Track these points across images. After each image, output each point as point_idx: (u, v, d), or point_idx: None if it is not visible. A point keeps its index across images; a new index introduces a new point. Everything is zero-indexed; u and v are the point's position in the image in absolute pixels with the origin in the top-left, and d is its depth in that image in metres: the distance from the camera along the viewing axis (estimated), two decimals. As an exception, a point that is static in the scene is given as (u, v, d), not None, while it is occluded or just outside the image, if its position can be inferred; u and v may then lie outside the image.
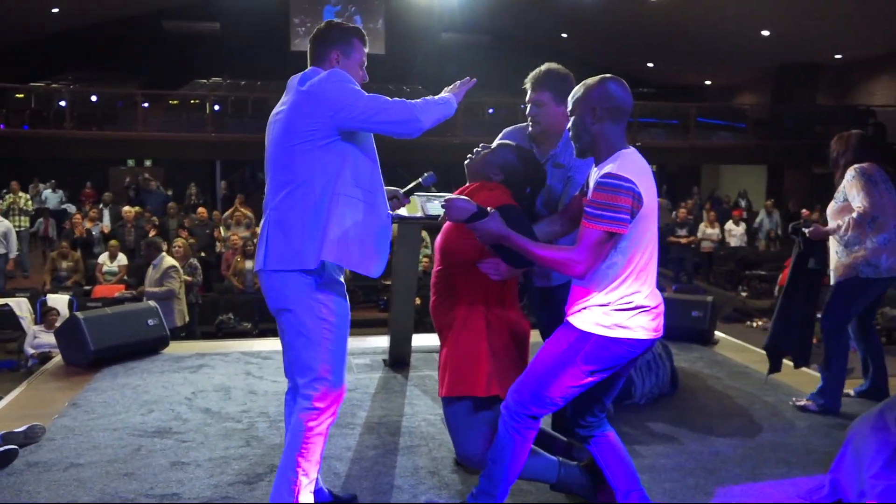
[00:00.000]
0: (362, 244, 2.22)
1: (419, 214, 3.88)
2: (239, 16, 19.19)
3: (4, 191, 11.99)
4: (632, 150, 2.25)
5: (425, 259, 8.83)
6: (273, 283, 2.26)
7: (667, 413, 3.50)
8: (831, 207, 3.64)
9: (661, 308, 2.19)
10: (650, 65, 21.48)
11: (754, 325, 9.94)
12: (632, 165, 2.16)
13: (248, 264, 8.81)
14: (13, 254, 9.16)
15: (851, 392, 3.76)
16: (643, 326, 2.12)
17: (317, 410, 2.24)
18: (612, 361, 2.14)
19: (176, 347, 4.74)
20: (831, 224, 3.59)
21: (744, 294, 11.65)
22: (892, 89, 16.80)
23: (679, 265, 12.16)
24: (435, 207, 3.85)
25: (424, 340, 4.67)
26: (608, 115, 2.20)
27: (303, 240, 2.19)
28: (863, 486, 2.45)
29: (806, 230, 3.56)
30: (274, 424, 3.33)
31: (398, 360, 4.31)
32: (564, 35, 20.26)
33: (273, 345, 4.56)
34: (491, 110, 18.50)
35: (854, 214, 3.41)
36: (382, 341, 4.68)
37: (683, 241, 12.05)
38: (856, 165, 3.52)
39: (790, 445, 3.11)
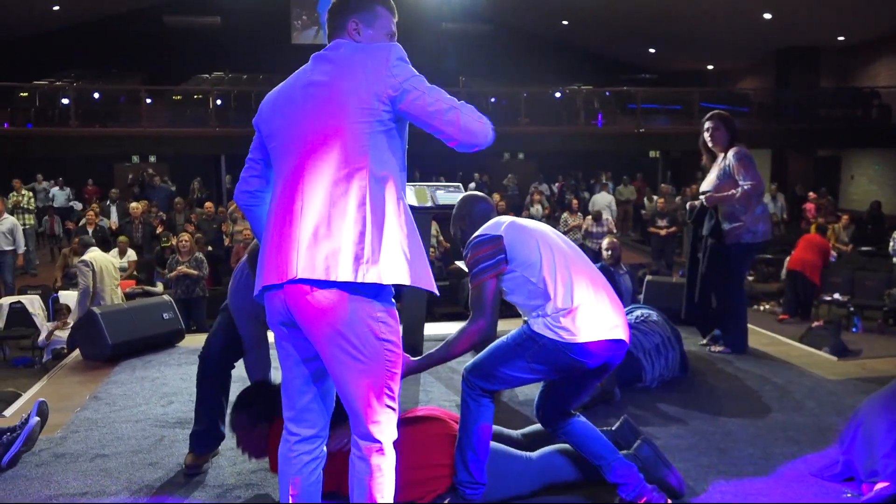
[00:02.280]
0: (421, 256, 1.88)
1: (429, 204, 3.94)
2: (238, 9, 19.16)
3: (12, 192, 12.04)
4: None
5: (432, 248, 8.90)
6: (314, 301, 1.78)
7: (677, 395, 3.55)
8: (712, 185, 4.14)
9: (612, 308, 2.38)
10: (651, 51, 21.42)
11: (761, 308, 9.96)
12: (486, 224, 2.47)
13: (257, 257, 8.87)
14: (21, 249, 9.24)
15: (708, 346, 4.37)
16: (590, 328, 2.29)
17: (380, 445, 1.86)
18: (563, 363, 2.31)
19: (191, 340, 4.80)
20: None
21: (751, 278, 11.67)
22: (895, 70, 16.75)
23: (658, 255, 11.82)
24: (445, 197, 3.91)
25: (436, 329, 4.73)
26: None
27: (361, 247, 1.77)
28: (875, 465, 2.49)
29: (702, 197, 4.16)
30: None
31: (411, 348, 4.34)
32: (565, 23, 20.19)
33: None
34: (493, 99, 18.51)
35: (747, 187, 3.98)
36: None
37: (663, 232, 11.78)
38: (739, 147, 4.10)
39: (800, 424, 3.16)
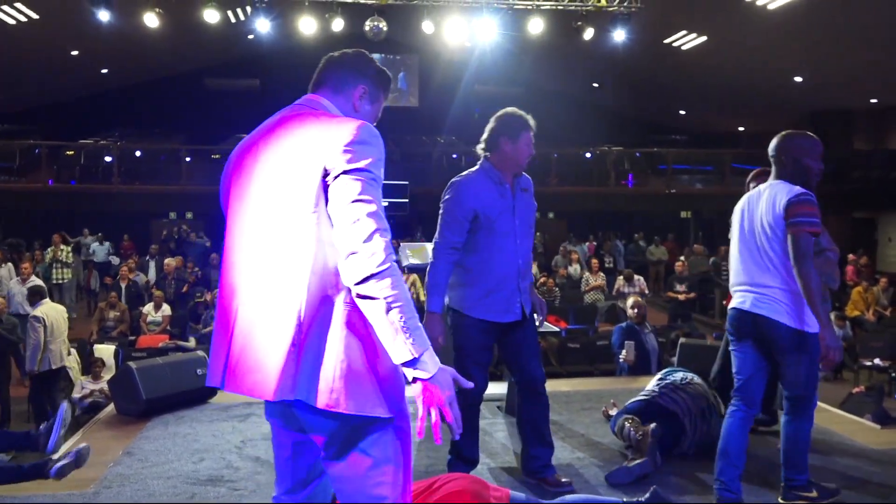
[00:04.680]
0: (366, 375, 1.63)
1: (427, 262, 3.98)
2: (278, 73, 19.83)
3: (51, 247, 12.36)
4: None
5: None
6: (323, 423, 1.63)
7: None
8: None
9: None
10: (682, 112, 21.57)
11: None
12: None
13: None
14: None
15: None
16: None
17: None
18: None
19: (223, 397, 4.83)
20: None
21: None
22: (931, 132, 16.64)
23: (675, 319, 11.05)
24: None
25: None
26: None
27: (374, 376, 1.62)
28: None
29: None
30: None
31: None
32: (595, 85, 20.51)
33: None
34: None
35: (832, 255, 3.70)
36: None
37: (682, 297, 11.37)
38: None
39: (845, 496, 3.05)
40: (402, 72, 21.70)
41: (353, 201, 1.56)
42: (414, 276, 8.36)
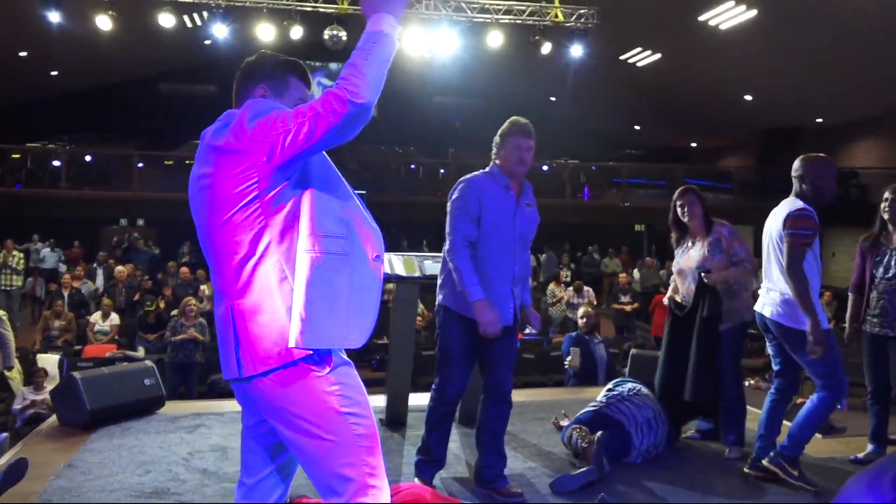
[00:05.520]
0: (336, 310, 1.73)
1: (417, 274, 3.97)
2: (233, 79, 19.63)
3: (2, 251, 11.96)
4: None
5: (419, 318, 8.89)
6: (261, 391, 1.74)
7: (664, 472, 3.51)
8: (702, 261, 3.84)
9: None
10: (637, 127, 22.00)
11: (748, 383, 9.93)
12: None
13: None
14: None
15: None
16: None
17: None
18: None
19: (171, 407, 4.72)
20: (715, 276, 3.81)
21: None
22: (873, 152, 17.26)
23: (621, 331, 11.23)
24: (432, 267, 3.95)
25: (421, 399, 4.68)
26: None
27: (283, 328, 1.72)
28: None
29: (705, 275, 3.79)
30: (272, 485, 3.31)
31: (395, 419, 4.31)
32: (553, 98, 20.78)
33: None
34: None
35: (749, 264, 3.85)
36: (377, 400, 4.68)
37: (628, 308, 11.46)
38: (723, 221, 3.97)
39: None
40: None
41: (299, 139, 1.68)
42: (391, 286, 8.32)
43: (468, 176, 3.18)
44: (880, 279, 3.78)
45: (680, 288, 4.01)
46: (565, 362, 6.06)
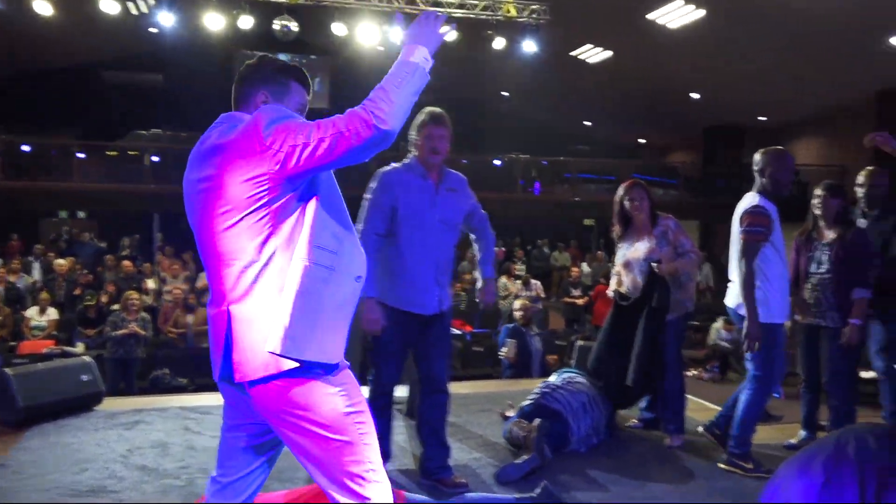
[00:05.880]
0: (319, 322, 1.75)
1: None
2: (182, 68, 19.15)
3: None
4: None
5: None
6: (264, 396, 1.74)
7: (606, 460, 3.57)
8: (649, 253, 3.90)
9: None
10: (588, 123, 22.27)
11: (689, 373, 10.17)
12: None
13: (189, 318, 8.67)
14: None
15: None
16: None
17: None
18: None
19: (110, 403, 4.59)
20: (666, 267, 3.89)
21: (680, 345, 11.95)
22: (812, 150, 17.83)
23: (571, 324, 11.11)
24: None
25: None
26: None
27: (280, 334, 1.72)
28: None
29: (656, 265, 3.85)
30: (214, 480, 3.26)
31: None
32: (505, 94, 20.89)
33: (212, 399, 4.48)
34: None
35: (694, 255, 3.97)
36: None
37: (579, 301, 11.56)
38: (668, 215, 4.05)
39: (723, 489, 3.23)
40: (314, 74, 21.41)
41: (317, 154, 1.68)
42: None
43: (384, 168, 3.20)
44: (813, 273, 3.90)
45: (625, 280, 4.07)
46: (500, 353, 6.16)
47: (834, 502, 2.48)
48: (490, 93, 20.85)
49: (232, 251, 1.74)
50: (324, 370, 1.74)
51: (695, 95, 16.86)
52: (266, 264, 1.72)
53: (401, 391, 4.49)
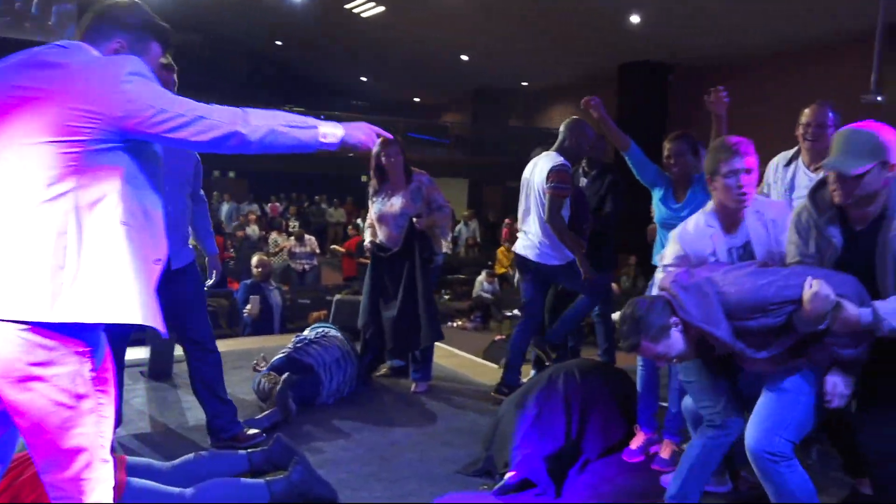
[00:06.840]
0: (137, 287, 1.62)
1: None
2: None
3: None
4: None
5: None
6: (7, 341, 1.51)
7: (351, 409, 3.67)
8: (406, 207, 4.04)
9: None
10: (363, 79, 22.26)
11: (454, 324, 10.78)
12: None
13: None
14: None
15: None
16: None
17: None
18: None
19: None
20: None
21: (447, 297, 12.60)
22: (567, 114, 19.14)
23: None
24: None
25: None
26: None
27: (46, 282, 1.53)
28: (507, 458, 2.82)
29: (416, 220, 4.01)
30: None
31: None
32: (279, 43, 20.16)
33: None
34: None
35: (448, 209, 4.25)
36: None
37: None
38: (422, 171, 4.20)
39: (458, 430, 3.46)
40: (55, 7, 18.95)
41: (165, 126, 1.62)
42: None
43: None
44: None
45: (379, 233, 4.15)
46: (244, 311, 6.08)
47: (545, 431, 2.75)
48: (261, 40, 20.01)
49: (19, 170, 1.56)
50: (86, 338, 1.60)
51: (464, 57, 17.51)
52: (51, 200, 1.55)
53: (141, 352, 4.27)
